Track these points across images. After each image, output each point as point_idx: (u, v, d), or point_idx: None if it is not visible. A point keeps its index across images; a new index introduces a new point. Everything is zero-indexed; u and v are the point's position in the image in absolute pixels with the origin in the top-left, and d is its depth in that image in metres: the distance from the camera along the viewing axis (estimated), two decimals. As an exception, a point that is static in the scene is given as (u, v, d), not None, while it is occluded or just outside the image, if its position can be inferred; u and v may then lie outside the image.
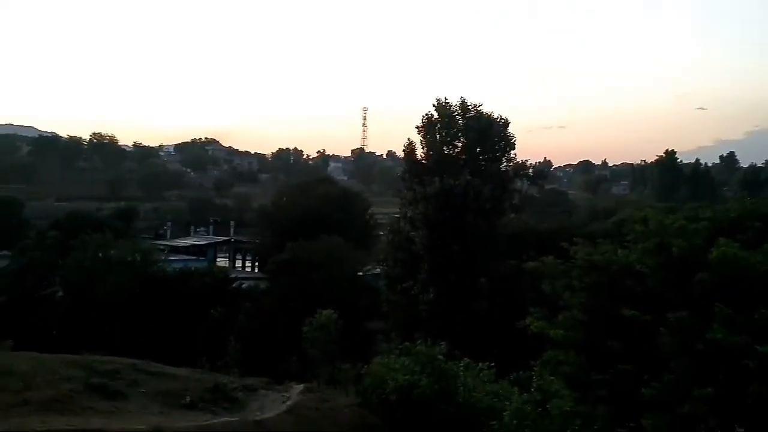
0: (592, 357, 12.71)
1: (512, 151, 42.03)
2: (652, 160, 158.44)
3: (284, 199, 69.98)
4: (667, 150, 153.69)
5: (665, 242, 12.58)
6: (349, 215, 61.41)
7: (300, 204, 61.85)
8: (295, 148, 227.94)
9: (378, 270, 41.15)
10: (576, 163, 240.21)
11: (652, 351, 11.76)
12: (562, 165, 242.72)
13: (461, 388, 15.06)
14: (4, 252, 49.68)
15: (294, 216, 58.54)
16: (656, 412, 11.32)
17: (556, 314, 13.54)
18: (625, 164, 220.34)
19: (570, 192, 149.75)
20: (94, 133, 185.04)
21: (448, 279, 32.60)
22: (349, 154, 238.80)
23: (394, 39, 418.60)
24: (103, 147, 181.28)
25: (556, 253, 14.60)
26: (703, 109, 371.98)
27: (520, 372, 16.29)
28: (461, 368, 15.67)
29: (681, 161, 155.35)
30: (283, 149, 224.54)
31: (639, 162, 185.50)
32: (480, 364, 16.31)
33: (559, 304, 13.71)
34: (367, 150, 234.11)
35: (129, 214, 73.38)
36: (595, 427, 12.47)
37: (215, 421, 12.61)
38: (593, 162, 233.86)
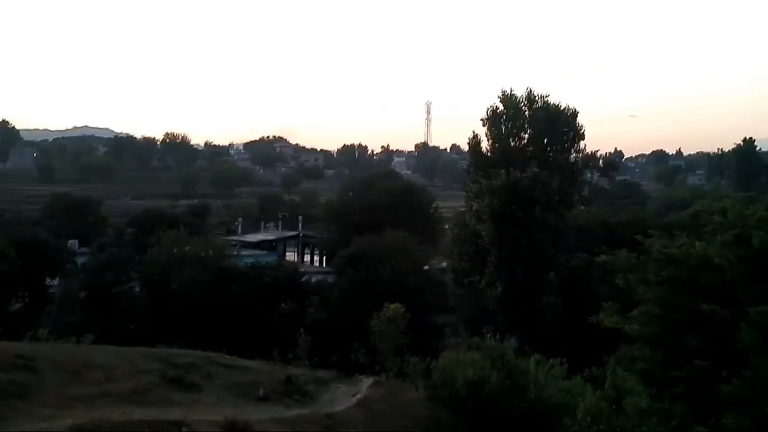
0: (669, 353, 12.37)
1: (581, 142, 41.32)
2: (730, 149, 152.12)
3: (350, 194, 70.55)
4: (745, 137, 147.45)
5: (745, 234, 12.13)
6: (414, 209, 61.40)
7: (365, 198, 62.23)
8: (360, 144, 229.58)
9: (444, 264, 40.98)
10: (649, 153, 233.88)
11: (731, 347, 11.37)
12: (633, 155, 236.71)
13: (532, 384, 14.85)
14: (84, 249, 51.82)
15: (359, 210, 58.95)
16: (737, 410, 10.93)
17: (630, 309, 13.22)
18: (700, 153, 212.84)
19: (643, 183, 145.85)
20: (167, 133, 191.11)
21: (515, 273, 32.19)
22: (413, 149, 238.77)
23: (458, 32, 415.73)
24: (175, 146, 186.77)
25: (629, 246, 14.25)
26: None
27: (593, 368, 15.96)
28: (532, 364, 15.46)
29: (760, 149, 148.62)
30: (348, 145, 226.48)
31: (716, 151, 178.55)
32: (551, 360, 16.05)
33: (633, 298, 13.38)
34: (430, 144, 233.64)
35: (202, 211, 75.49)
36: (672, 424, 12.13)
37: (288, 413, 12.79)
38: (667, 152, 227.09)
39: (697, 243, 12.75)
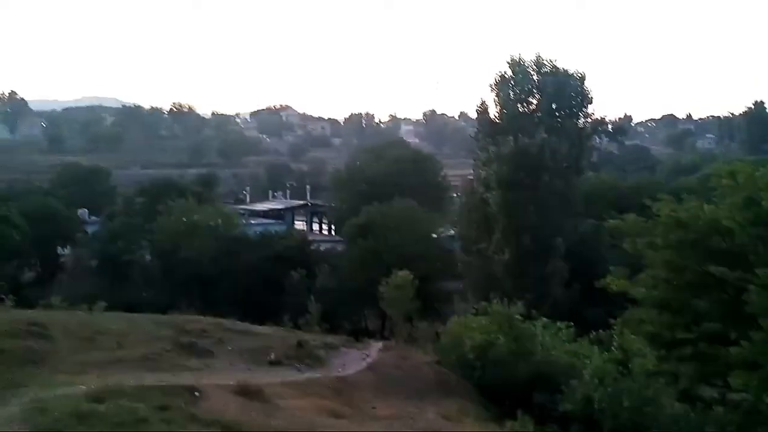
0: (677, 315, 12.41)
1: (590, 107, 40.78)
2: (740, 112, 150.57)
3: (357, 163, 70.29)
4: (756, 101, 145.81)
5: (755, 197, 12.06)
6: (422, 178, 61.14)
7: (373, 168, 61.99)
8: (367, 113, 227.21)
9: (452, 232, 40.97)
10: (659, 117, 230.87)
11: (740, 309, 11.39)
12: (643, 119, 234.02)
13: (539, 347, 14.98)
14: (94, 218, 52.14)
15: (367, 180, 58.80)
16: (745, 370, 11.00)
17: (637, 273, 13.24)
18: (711, 117, 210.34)
19: (652, 147, 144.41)
20: (174, 103, 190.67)
21: (523, 239, 32.16)
22: (421, 117, 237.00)
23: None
24: (183, 116, 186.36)
25: (638, 211, 14.22)
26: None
27: (600, 331, 16.06)
28: (539, 328, 15.57)
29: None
30: (355, 114, 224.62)
31: (726, 114, 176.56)
32: (558, 324, 16.15)
33: (640, 263, 13.40)
34: (438, 112, 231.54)
35: (210, 180, 75.25)
36: (679, 385, 12.24)
37: (300, 376, 12.97)
38: (677, 116, 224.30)
39: (705, 206, 12.69)
